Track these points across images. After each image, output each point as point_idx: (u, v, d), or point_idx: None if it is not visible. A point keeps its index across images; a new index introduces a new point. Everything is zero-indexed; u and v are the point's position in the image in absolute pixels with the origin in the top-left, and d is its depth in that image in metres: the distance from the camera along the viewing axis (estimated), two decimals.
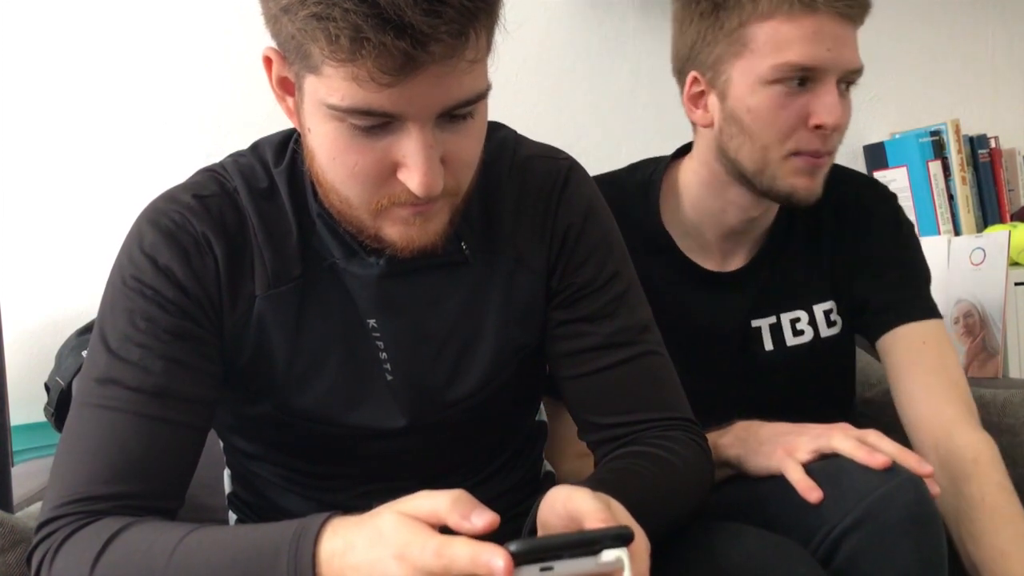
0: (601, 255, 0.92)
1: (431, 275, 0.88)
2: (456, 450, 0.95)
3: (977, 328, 1.72)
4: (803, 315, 1.19)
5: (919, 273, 1.20)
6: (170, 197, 0.87)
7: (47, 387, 1.45)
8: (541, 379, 1.01)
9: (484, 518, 0.61)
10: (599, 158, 1.44)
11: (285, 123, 1.00)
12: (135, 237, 0.85)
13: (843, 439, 0.88)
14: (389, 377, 0.89)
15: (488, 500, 0.94)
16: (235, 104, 1.71)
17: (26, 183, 1.62)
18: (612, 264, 0.92)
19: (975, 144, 2.04)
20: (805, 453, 0.90)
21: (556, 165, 0.94)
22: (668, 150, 1.24)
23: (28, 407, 1.51)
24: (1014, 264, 1.82)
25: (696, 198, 1.16)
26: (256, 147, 0.91)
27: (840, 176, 1.18)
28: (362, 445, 0.91)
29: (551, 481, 1.07)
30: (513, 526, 0.97)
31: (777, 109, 1.05)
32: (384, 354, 0.89)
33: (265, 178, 0.88)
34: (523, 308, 0.91)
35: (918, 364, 1.12)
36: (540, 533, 0.71)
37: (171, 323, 0.82)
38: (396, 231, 0.78)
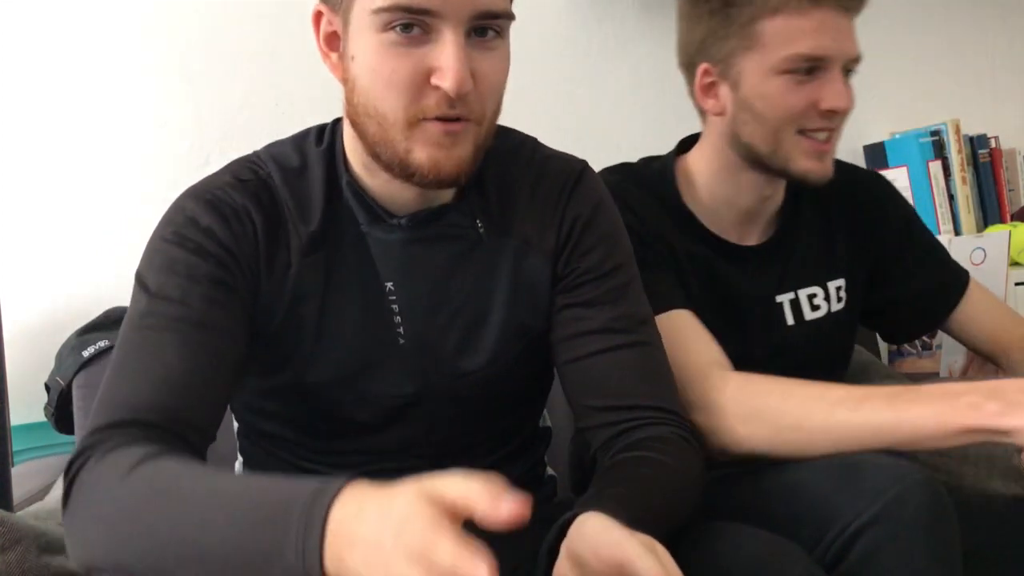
0: (607, 246, 0.97)
1: (448, 246, 0.94)
2: (461, 432, 0.97)
3: None
4: (819, 291, 1.26)
5: (939, 243, 1.34)
6: (208, 179, 0.92)
7: (47, 387, 1.45)
8: (547, 375, 1.04)
9: (510, 507, 0.57)
10: (599, 158, 1.44)
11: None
12: (176, 208, 0.89)
13: None
14: (402, 341, 0.92)
15: None
16: (235, 104, 1.71)
17: (26, 183, 1.62)
18: (617, 256, 0.97)
19: (975, 144, 2.03)
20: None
21: (571, 165, 1.00)
22: (666, 150, 1.26)
23: (28, 407, 1.52)
24: (1014, 264, 1.82)
25: (710, 185, 1.21)
26: (302, 134, 0.98)
27: (844, 168, 1.28)
28: (372, 416, 0.94)
29: (553, 484, 1.10)
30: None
31: (787, 95, 1.11)
32: (398, 317, 0.92)
33: (297, 158, 0.94)
34: (529, 289, 0.96)
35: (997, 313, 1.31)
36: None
37: (210, 271, 0.85)
38: (425, 153, 0.84)
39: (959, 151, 1.98)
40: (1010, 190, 2.07)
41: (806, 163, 1.14)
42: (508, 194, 0.96)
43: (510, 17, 0.85)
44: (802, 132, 1.13)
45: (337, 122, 0.96)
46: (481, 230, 0.94)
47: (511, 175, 0.97)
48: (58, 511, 0.96)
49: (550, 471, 1.11)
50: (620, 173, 1.22)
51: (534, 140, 1.02)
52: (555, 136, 1.05)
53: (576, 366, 0.95)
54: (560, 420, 1.16)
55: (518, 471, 1.03)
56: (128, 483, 0.72)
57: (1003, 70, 2.26)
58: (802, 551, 0.84)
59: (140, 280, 0.87)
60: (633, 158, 1.28)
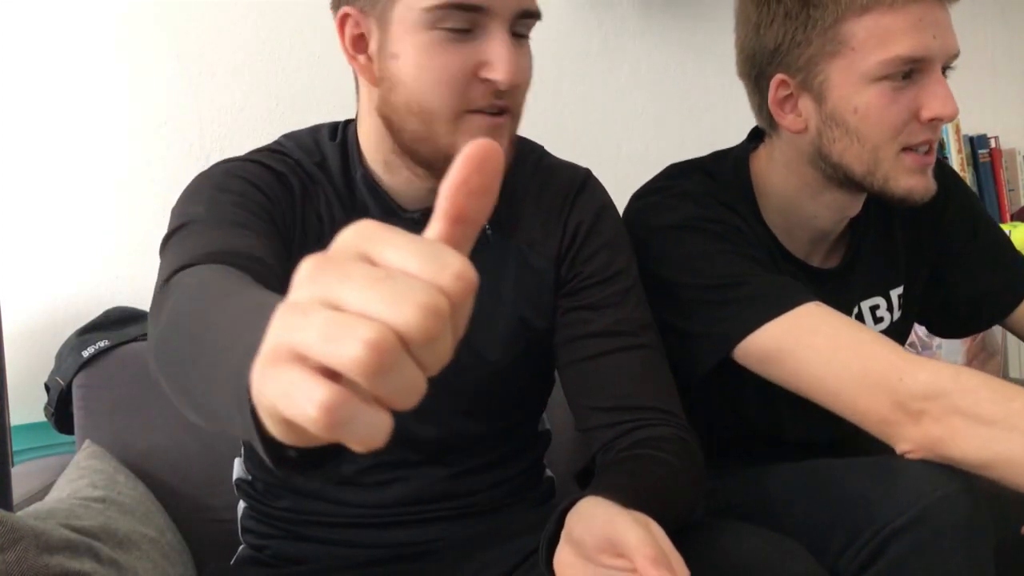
0: (610, 252, 0.99)
1: None
2: (458, 427, 0.99)
3: None
4: (882, 302, 1.15)
5: (1005, 236, 1.22)
6: (237, 157, 0.94)
7: (47, 387, 1.45)
8: (547, 379, 1.06)
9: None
10: (599, 158, 1.44)
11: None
12: (212, 169, 0.91)
13: None
14: None
15: (491, 485, 1.02)
16: (235, 104, 1.71)
17: (26, 184, 1.62)
18: (620, 261, 0.99)
19: (975, 144, 2.04)
20: None
21: (576, 173, 1.03)
22: (667, 150, 1.25)
23: (28, 407, 1.52)
24: None
25: (784, 204, 1.09)
26: (313, 128, 1.01)
27: None
28: None
29: (551, 485, 1.12)
30: (509, 516, 1.02)
31: (886, 106, 0.98)
32: None
33: (318, 152, 0.97)
34: (533, 290, 0.98)
35: None
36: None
37: (261, 199, 0.87)
38: None
39: (959, 151, 1.98)
40: (1010, 190, 2.07)
41: (908, 181, 1.00)
42: (514, 200, 0.99)
43: (540, 18, 0.90)
44: (905, 149, 1.00)
45: (349, 122, 0.99)
46: (488, 232, 0.97)
47: (517, 181, 0.99)
48: (58, 511, 0.97)
49: (549, 472, 1.13)
50: (702, 172, 1.10)
51: (541, 148, 1.05)
52: (555, 136, 1.05)
53: (578, 367, 0.97)
54: (560, 423, 1.17)
55: (515, 471, 1.05)
56: (165, 288, 0.71)
57: (1003, 70, 2.26)
58: (804, 550, 0.84)
59: (181, 212, 0.84)
60: (633, 159, 1.27)
